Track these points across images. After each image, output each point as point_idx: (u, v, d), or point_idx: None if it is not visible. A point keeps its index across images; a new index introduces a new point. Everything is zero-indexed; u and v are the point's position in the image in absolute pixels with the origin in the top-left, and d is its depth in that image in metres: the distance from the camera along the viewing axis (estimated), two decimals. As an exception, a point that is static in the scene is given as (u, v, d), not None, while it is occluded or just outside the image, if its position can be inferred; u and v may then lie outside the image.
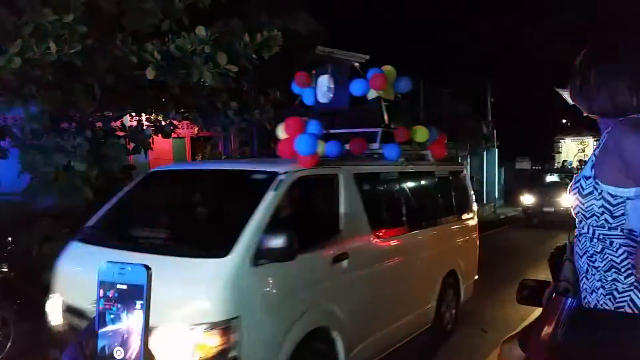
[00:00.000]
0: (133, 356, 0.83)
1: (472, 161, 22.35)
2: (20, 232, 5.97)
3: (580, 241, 1.87)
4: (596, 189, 1.76)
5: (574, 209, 1.89)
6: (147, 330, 0.83)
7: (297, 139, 4.17)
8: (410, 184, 5.61)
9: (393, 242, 4.92)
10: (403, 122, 5.51)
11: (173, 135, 7.57)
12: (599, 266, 1.79)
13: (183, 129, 10.33)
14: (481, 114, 23.38)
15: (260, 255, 3.40)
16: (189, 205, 4.67)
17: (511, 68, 23.21)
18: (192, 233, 4.11)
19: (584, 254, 1.84)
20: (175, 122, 7.40)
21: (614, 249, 1.75)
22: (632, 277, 1.72)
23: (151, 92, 6.51)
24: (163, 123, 7.19)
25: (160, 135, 7.27)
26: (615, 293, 1.75)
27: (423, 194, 5.90)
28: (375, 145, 5.21)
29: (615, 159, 1.71)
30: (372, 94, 5.31)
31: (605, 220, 1.75)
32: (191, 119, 7.47)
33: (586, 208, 1.80)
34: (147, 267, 0.84)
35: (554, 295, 2.01)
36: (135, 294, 0.83)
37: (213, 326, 3.12)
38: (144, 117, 7.37)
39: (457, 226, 6.36)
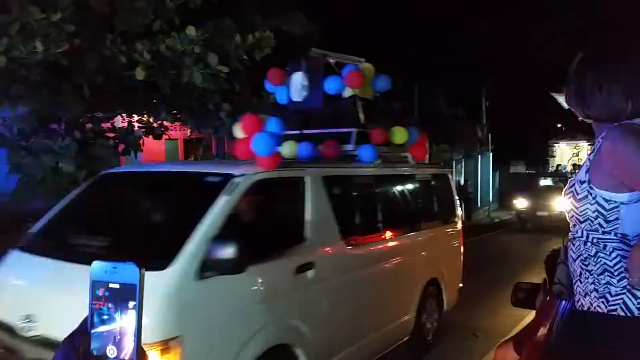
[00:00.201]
0: (127, 357, 0.82)
1: (466, 165, 22.38)
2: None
3: (574, 245, 1.88)
4: (590, 194, 1.78)
5: (568, 213, 1.90)
6: (140, 330, 0.83)
7: (255, 138, 3.80)
8: (387, 188, 5.34)
9: (366, 250, 4.63)
10: (381, 123, 5.22)
11: (165, 136, 7.49)
12: (592, 270, 1.81)
13: (175, 130, 10.25)
14: (476, 118, 23.43)
15: (207, 268, 3.06)
16: (136, 211, 4.27)
17: (506, 72, 23.24)
18: (133, 242, 3.64)
19: (578, 257, 1.86)
20: (167, 123, 7.32)
21: (607, 253, 1.77)
22: (625, 280, 1.73)
23: (142, 93, 6.43)
24: (154, 124, 7.11)
25: (151, 136, 7.19)
26: (608, 296, 1.77)
27: (401, 199, 5.62)
28: (350, 147, 4.93)
29: (610, 164, 1.73)
30: (347, 92, 5.02)
31: (599, 224, 1.77)
32: (183, 121, 7.39)
33: (580, 212, 1.81)
34: (140, 267, 0.83)
35: (548, 298, 2.05)
36: (128, 293, 0.82)
37: (149, 347, 2.73)
38: (135, 118, 7.29)
39: (439, 232, 6.03)
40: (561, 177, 21.12)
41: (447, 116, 19.62)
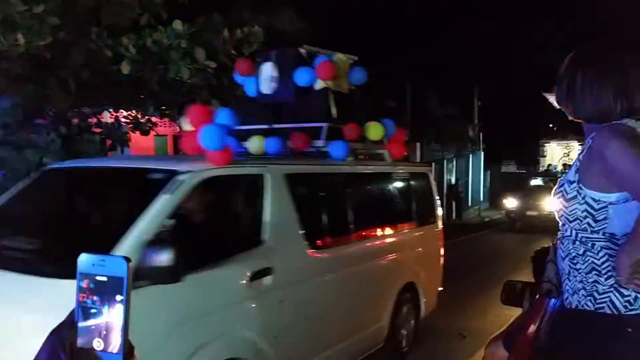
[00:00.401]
0: (114, 350, 0.81)
1: (458, 164, 22.41)
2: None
3: (563, 243, 1.91)
4: (579, 194, 1.81)
5: (557, 213, 1.93)
6: (127, 323, 0.82)
7: (202, 131, 3.41)
8: (359, 187, 4.99)
9: (334, 254, 4.30)
10: (357, 118, 4.85)
11: (154, 132, 7.40)
12: (580, 268, 1.83)
13: (165, 126, 10.16)
14: (468, 117, 23.47)
15: (139, 276, 2.69)
16: (68, 211, 3.87)
17: (498, 71, 23.31)
18: (58, 247, 3.23)
19: (567, 256, 1.89)
20: (155, 119, 7.22)
21: (595, 252, 1.80)
22: (612, 279, 1.77)
23: (129, 88, 6.34)
24: (142, 120, 7.02)
25: (138, 132, 7.10)
26: (595, 294, 1.80)
27: (375, 198, 5.32)
28: (320, 142, 4.53)
29: (599, 164, 1.75)
30: (319, 85, 4.68)
31: (588, 224, 1.80)
32: (171, 117, 7.30)
33: (569, 212, 1.84)
34: (128, 259, 0.83)
35: (537, 296, 2.07)
36: (116, 286, 0.81)
37: None
38: (125, 113, 7.19)
39: (417, 233, 5.67)
40: (551, 177, 21.20)
41: (439, 115, 19.63)
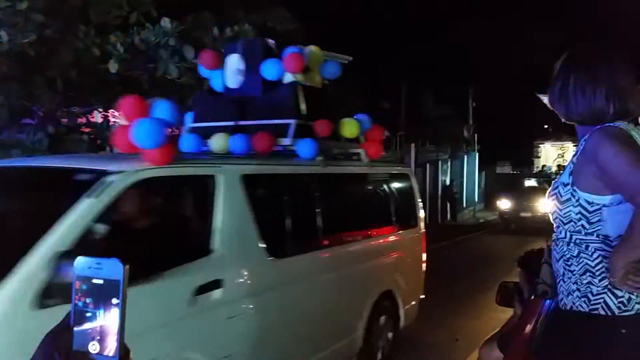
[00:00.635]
0: (110, 353, 0.81)
1: (452, 164, 22.41)
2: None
3: (557, 245, 1.93)
4: (574, 196, 1.82)
5: (552, 215, 1.94)
6: (123, 327, 0.82)
7: (136, 126, 2.96)
8: (331, 189, 4.57)
9: (298, 262, 3.93)
10: (329, 114, 4.47)
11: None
12: (574, 270, 1.85)
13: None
14: (463, 118, 23.49)
15: (51, 294, 2.36)
16: None
17: (493, 72, 23.34)
18: None
19: (561, 257, 1.90)
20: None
21: (589, 253, 1.82)
22: (606, 280, 1.78)
23: (119, 87, 6.26)
24: (131, 119, 6.93)
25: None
26: (589, 296, 1.82)
27: (349, 201, 4.91)
28: (287, 141, 4.15)
29: (592, 167, 1.77)
30: (288, 78, 4.35)
31: (582, 226, 1.82)
32: (161, 116, 7.21)
33: (564, 214, 1.85)
34: (124, 263, 0.82)
35: (526, 297, 2.11)
36: (112, 290, 0.81)
37: None
38: (115, 113, 7.12)
39: (395, 238, 5.25)
40: (546, 178, 21.16)
41: (434, 116, 19.62)
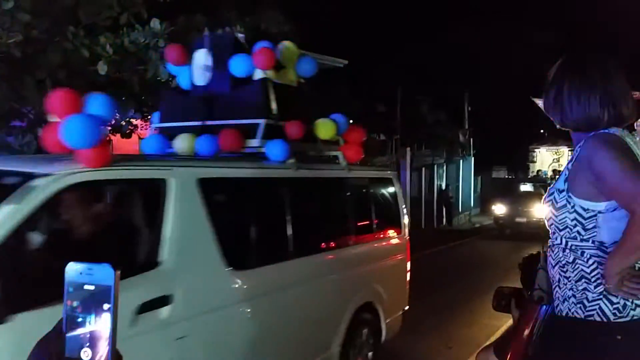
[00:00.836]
0: (103, 359, 0.81)
1: (448, 169, 22.38)
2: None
3: (553, 251, 1.93)
4: (569, 203, 1.83)
5: (547, 221, 1.95)
6: (115, 332, 0.82)
7: (66, 123, 2.63)
8: (302, 195, 4.24)
9: (265, 274, 3.59)
10: (303, 114, 4.20)
11: (139, 135, 7.22)
12: (570, 276, 1.86)
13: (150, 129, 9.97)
14: (458, 122, 23.46)
15: None
16: None
17: (489, 77, 23.34)
18: None
19: (557, 264, 1.91)
20: (139, 121, 7.04)
21: (585, 260, 1.83)
22: (601, 286, 1.79)
23: (109, 90, 6.17)
24: (122, 122, 6.85)
25: (119, 135, 6.93)
26: (585, 302, 1.83)
27: (323, 208, 4.58)
28: (255, 142, 3.86)
29: (587, 174, 1.78)
30: (258, 75, 4.07)
31: (578, 232, 1.83)
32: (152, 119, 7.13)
33: (559, 220, 1.87)
34: (115, 268, 0.82)
35: (525, 303, 2.10)
36: (103, 295, 0.82)
37: None
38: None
39: (376, 246, 4.97)
40: (541, 183, 21.14)
41: (429, 120, 19.58)
